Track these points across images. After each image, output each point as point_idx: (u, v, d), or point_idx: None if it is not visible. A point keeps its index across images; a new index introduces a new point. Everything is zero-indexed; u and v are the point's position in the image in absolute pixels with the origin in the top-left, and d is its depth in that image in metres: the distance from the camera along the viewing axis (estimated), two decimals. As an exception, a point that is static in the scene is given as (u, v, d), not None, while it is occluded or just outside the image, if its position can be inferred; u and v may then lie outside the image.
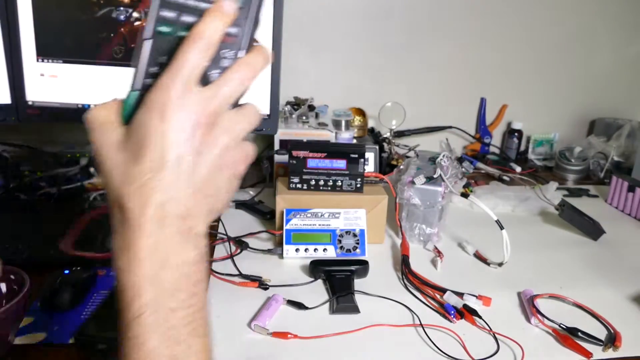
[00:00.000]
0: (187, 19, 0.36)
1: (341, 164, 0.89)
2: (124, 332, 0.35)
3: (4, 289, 0.62)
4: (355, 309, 0.72)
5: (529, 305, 0.74)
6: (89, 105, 1.03)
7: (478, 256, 0.90)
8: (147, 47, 0.36)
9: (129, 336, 0.34)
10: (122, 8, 0.98)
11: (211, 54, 0.35)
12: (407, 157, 1.31)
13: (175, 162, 0.34)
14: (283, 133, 1.13)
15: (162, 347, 0.34)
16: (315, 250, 0.85)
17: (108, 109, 0.36)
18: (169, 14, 0.36)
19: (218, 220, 0.97)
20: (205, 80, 0.36)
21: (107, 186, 0.35)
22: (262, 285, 0.77)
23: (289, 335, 0.65)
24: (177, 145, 0.34)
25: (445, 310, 0.72)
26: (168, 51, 0.36)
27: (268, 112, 1.04)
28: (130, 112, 0.36)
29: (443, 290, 0.76)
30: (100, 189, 1.06)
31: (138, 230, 0.34)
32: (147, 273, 0.34)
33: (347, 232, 0.87)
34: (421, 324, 0.69)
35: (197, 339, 0.36)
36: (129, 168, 0.34)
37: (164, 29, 0.36)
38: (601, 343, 0.68)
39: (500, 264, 0.86)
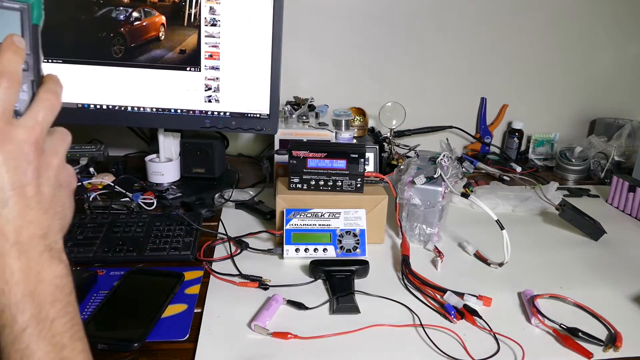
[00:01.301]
0: None
1: (341, 164, 0.89)
2: (11, 346, 0.37)
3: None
4: (355, 309, 0.72)
5: (529, 306, 0.74)
6: (88, 105, 1.03)
7: (478, 256, 0.90)
8: None
9: (17, 349, 0.37)
10: (121, 8, 0.98)
11: (19, 87, 0.38)
12: (408, 157, 1.31)
13: (20, 190, 0.37)
14: (283, 133, 1.13)
15: (51, 354, 0.38)
16: (315, 250, 0.85)
17: None
18: None
19: (218, 220, 0.97)
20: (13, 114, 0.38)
21: None
22: (262, 285, 0.77)
23: (289, 335, 0.65)
24: (16, 174, 0.37)
25: (445, 311, 0.72)
26: None
27: (268, 112, 1.04)
28: None
29: (443, 291, 0.76)
30: (100, 188, 1.06)
31: (6, 257, 0.36)
32: (26, 291, 0.37)
33: (347, 232, 0.87)
34: (421, 324, 0.69)
35: (78, 342, 0.40)
36: None
37: None
38: (602, 343, 0.67)
39: (500, 264, 0.86)
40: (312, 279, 0.79)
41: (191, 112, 1.04)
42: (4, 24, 0.39)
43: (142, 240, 0.85)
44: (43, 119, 0.39)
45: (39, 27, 0.42)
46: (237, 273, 0.80)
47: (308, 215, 0.87)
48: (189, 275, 0.78)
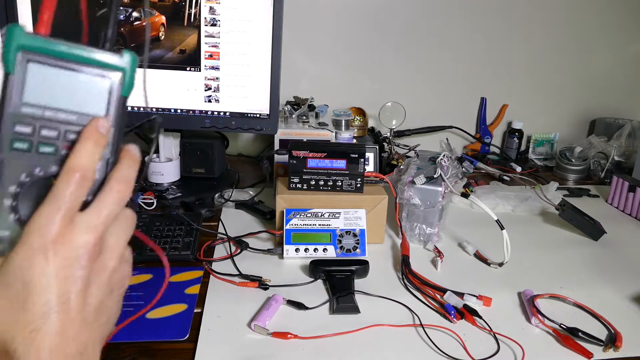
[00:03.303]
0: (47, 132, 0.34)
1: (341, 164, 0.89)
2: None
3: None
4: (355, 309, 0.72)
5: (529, 306, 0.74)
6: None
7: (478, 256, 0.90)
8: (4, 167, 0.34)
9: None
10: (121, 8, 0.98)
11: (90, 184, 0.34)
12: (407, 157, 1.31)
13: (65, 303, 0.32)
14: (283, 133, 1.13)
15: None
16: (315, 250, 0.85)
17: None
18: (23, 127, 0.34)
19: (218, 220, 0.97)
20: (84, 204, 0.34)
21: None
22: (262, 285, 0.77)
23: (289, 335, 0.65)
24: (65, 285, 0.32)
25: (445, 311, 0.72)
26: (28, 169, 0.34)
27: (268, 112, 1.04)
28: None
29: (443, 290, 0.76)
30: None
31: None
32: None
33: (347, 232, 0.87)
34: (421, 324, 0.69)
35: None
36: (15, 314, 0.31)
37: (19, 145, 0.34)
38: (602, 343, 0.67)
39: (500, 264, 0.86)
40: (312, 279, 0.79)
41: (191, 112, 1.04)
42: (92, 89, 0.35)
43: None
44: (108, 215, 0.34)
45: (127, 98, 0.37)
46: (237, 273, 0.80)
47: (308, 215, 0.87)
48: (189, 275, 0.78)
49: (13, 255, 0.32)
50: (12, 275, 0.32)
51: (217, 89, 1.03)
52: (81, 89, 0.35)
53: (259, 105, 1.04)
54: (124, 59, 0.36)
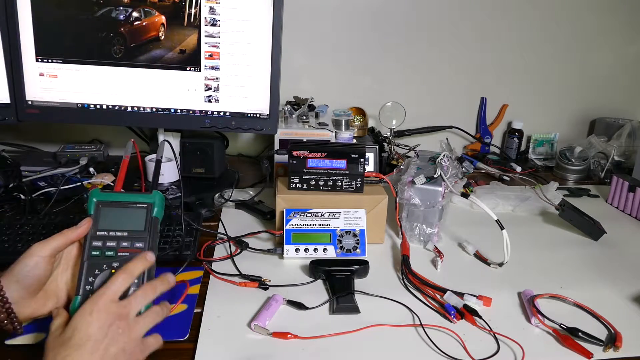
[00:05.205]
0: (110, 243, 0.60)
1: (341, 164, 0.89)
2: None
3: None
4: (355, 309, 0.72)
5: (529, 306, 0.74)
6: (88, 105, 1.03)
7: (478, 256, 0.90)
8: (86, 266, 0.59)
9: None
10: (121, 8, 0.98)
11: (131, 281, 0.57)
12: (407, 157, 1.31)
13: (92, 343, 0.51)
14: (283, 133, 1.13)
15: None
16: (315, 250, 0.85)
17: (63, 317, 0.56)
18: (97, 242, 0.60)
19: (218, 220, 0.97)
20: (125, 294, 0.56)
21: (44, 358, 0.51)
22: (262, 285, 0.77)
23: (289, 335, 0.65)
24: (96, 332, 0.52)
25: (445, 311, 0.72)
26: (100, 267, 0.58)
27: (268, 112, 1.04)
28: (75, 311, 0.54)
29: (443, 290, 0.76)
30: (100, 189, 1.06)
31: None
32: None
33: (347, 232, 0.87)
34: (421, 324, 0.69)
35: None
36: (61, 346, 0.51)
37: (95, 253, 0.59)
38: (602, 343, 0.67)
39: (500, 264, 0.86)
40: (312, 279, 0.79)
41: (191, 112, 1.04)
42: (136, 215, 0.62)
43: (142, 240, 0.85)
44: (135, 304, 0.56)
45: (158, 219, 0.63)
46: (237, 273, 0.80)
47: (308, 215, 0.87)
48: (189, 275, 0.78)
49: (75, 314, 0.53)
50: (69, 325, 0.53)
51: (217, 89, 1.03)
52: (129, 215, 0.62)
53: (259, 105, 1.04)
54: (154, 196, 0.63)
